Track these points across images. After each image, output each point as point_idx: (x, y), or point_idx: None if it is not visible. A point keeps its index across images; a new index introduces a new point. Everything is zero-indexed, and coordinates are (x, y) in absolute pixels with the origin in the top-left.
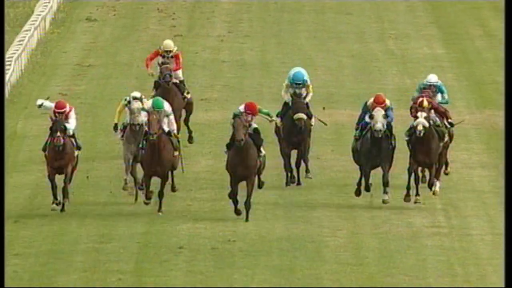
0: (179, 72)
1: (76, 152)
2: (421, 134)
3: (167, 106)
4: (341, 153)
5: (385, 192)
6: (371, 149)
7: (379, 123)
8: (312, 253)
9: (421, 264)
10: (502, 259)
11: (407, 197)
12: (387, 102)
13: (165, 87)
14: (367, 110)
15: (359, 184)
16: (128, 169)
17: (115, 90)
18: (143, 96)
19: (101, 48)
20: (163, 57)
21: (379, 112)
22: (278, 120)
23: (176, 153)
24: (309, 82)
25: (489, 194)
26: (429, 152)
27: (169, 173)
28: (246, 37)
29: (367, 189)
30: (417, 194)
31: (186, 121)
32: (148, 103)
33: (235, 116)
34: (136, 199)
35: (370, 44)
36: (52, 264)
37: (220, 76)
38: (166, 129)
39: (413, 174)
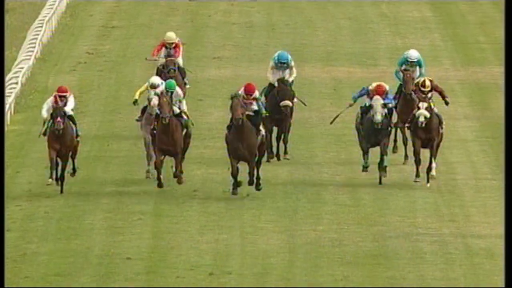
0: (179, 59)
1: (76, 138)
2: (423, 125)
3: (179, 90)
4: (339, 105)
5: (382, 169)
6: (372, 129)
7: (378, 114)
8: (313, 195)
9: (411, 205)
10: (484, 201)
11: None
12: (386, 87)
13: (171, 78)
14: (367, 94)
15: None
16: (150, 158)
17: (137, 49)
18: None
19: (124, 11)
20: (167, 48)
21: (378, 102)
22: (263, 111)
23: (184, 132)
24: (292, 63)
25: (472, 142)
26: (430, 131)
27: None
28: (254, 2)
29: (365, 168)
30: (417, 175)
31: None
32: (161, 87)
33: (233, 97)
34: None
35: (365, 7)
36: (80, 206)
37: (231, 36)
38: (177, 110)
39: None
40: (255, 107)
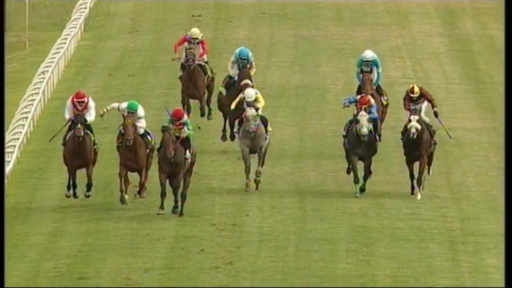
0: (205, 56)
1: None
2: (414, 136)
3: (140, 110)
4: None
5: (365, 179)
6: (358, 144)
7: (365, 128)
8: (319, 96)
9: (394, 104)
10: (454, 101)
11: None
12: (372, 101)
13: (189, 69)
14: (355, 103)
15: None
16: (248, 171)
17: None
18: (257, 92)
19: None
20: (190, 43)
21: (363, 117)
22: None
23: (148, 150)
24: (252, 59)
25: (444, 54)
26: (420, 147)
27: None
28: None
29: (356, 181)
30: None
31: (208, 101)
32: (122, 105)
33: (164, 130)
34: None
35: None
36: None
37: None
38: (142, 131)
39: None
40: (184, 134)
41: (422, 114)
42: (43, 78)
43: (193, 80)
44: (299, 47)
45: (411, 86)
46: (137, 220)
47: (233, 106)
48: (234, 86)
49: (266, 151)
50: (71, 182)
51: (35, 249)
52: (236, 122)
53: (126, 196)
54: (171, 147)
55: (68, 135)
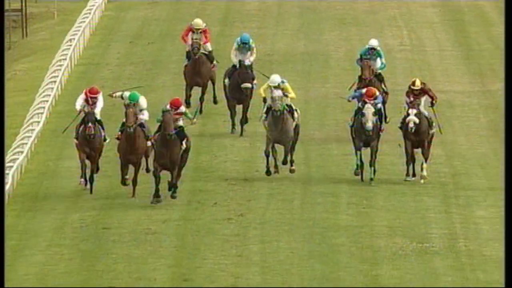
0: (208, 45)
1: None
2: (413, 130)
3: (142, 100)
4: None
5: (372, 168)
6: (363, 132)
7: (370, 122)
8: (322, 62)
9: (392, 70)
10: (447, 66)
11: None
12: (377, 92)
13: (194, 56)
14: (360, 97)
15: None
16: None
17: None
18: (284, 81)
19: None
20: (194, 32)
21: (369, 110)
22: (195, 120)
23: (149, 142)
24: (253, 45)
25: (438, 24)
26: (419, 135)
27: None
28: None
29: (359, 169)
30: (414, 174)
31: (213, 87)
32: (126, 94)
33: (164, 111)
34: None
35: None
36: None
37: None
38: (141, 120)
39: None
40: (180, 122)
41: (422, 107)
42: (70, 45)
43: (197, 68)
44: (304, 16)
45: (413, 79)
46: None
47: (262, 93)
48: (235, 75)
49: (294, 144)
50: (83, 170)
51: (63, 203)
52: (264, 110)
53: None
54: (171, 126)
55: (80, 129)
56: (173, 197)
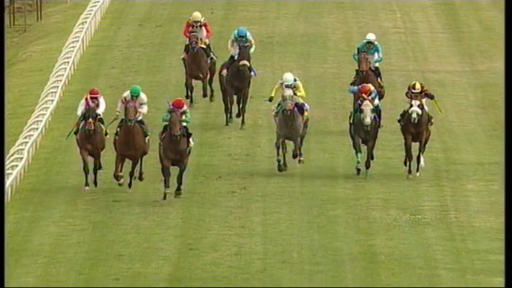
0: (207, 39)
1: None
2: (415, 121)
3: (142, 94)
4: None
5: (367, 166)
6: (361, 128)
7: (368, 118)
8: (320, 44)
9: (386, 51)
10: (438, 47)
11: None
12: (371, 88)
13: (193, 51)
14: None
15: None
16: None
17: None
18: (296, 79)
19: None
20: (193, 26)
21: (367, 107)
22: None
23: (147, 139)
24: (251, 37)
25: (430, 7)
26: (419, 127)
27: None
28: None
29: (358, 169)
30: (410, 171)
31: (210, 81)
32: (125, 94)
33: (171, 111)
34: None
35: None
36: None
37: None
38: (140, 117)
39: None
40: (183, 123)
41: (423, 101)
42: (82, 28)
43: (196, 61)
44: (304, 0)
45: (413, 82)
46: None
47: (273, 93)
48: (234, 65)
49: (302, 138)
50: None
51: (76, 176)
52: (274, 107)
53: (122, 180)
54: (178, 127)
55: (81, 125)
56: (177, 193)
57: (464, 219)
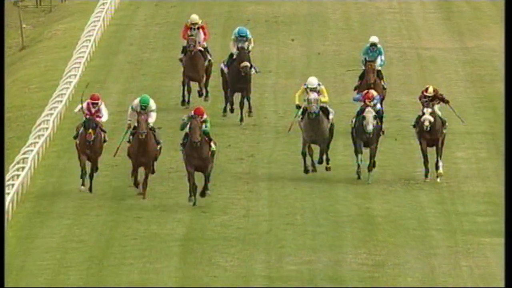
0: (204, 42)
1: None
2: (428, 128)
3: (152, 102)
4: None
5: (370, 169)
6: (363, 133)
7: (370, 125)
8: (322, 23)
9: (382, 29)
10: (430, 26)
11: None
12: (375, 94)
13: (190, 53)
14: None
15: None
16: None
17: None
18: (320, 83)
19: None
20: (191, 29)
21: (370, 114)
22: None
23: (159, 146)
24: (250, 36)
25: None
26: (434, 133)
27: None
28: None
29: (360, 151)
30: (426, 175)
31: (206, 83)
32: (135, 101)
33: (192, 117)
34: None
35: None
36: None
37: None
38: (151, 124)
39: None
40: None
41: (436, 107)
42: (103, 8)
43: (193, 63)
44: None
45: (426, 86)
46: (176, 122)
47: (296, 100)
48: (234, 65)
49: (329, 144)
50: (83, 172)
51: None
52: (300, 111)
53: (140, 187)
54: (198, 133)
55: (81, 131)
56: (203, 195)
57: (454, 184)
